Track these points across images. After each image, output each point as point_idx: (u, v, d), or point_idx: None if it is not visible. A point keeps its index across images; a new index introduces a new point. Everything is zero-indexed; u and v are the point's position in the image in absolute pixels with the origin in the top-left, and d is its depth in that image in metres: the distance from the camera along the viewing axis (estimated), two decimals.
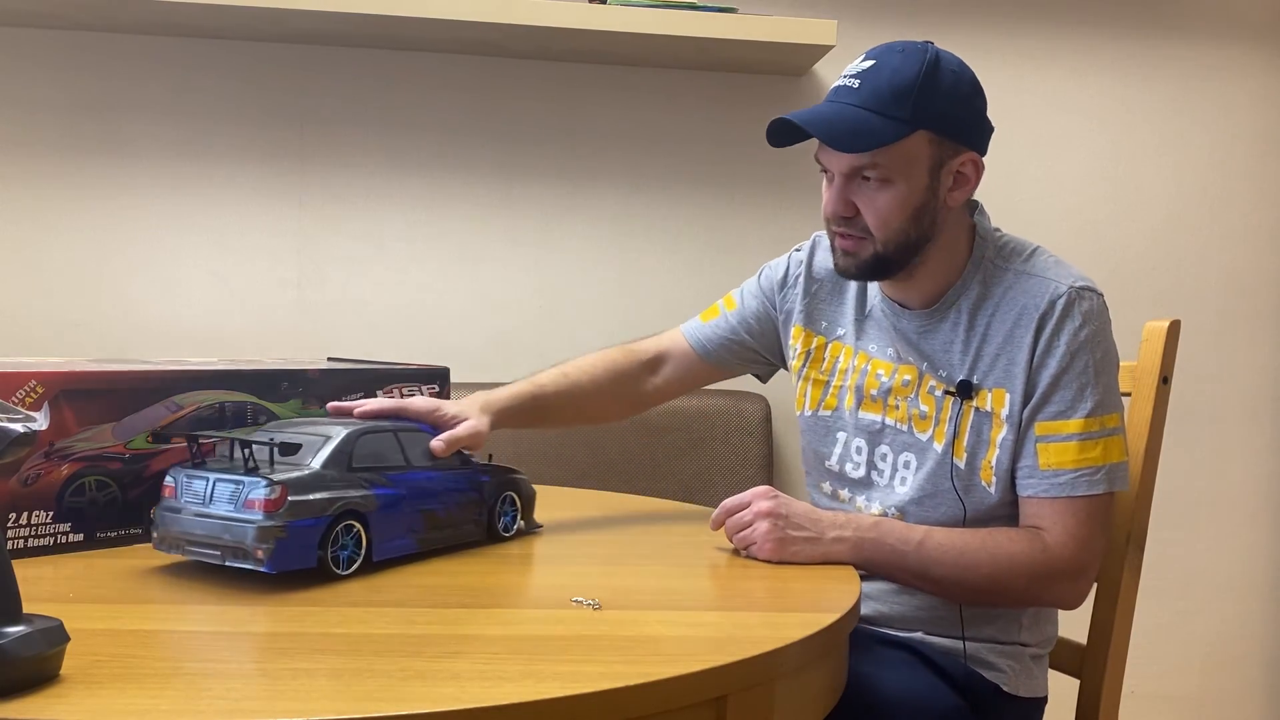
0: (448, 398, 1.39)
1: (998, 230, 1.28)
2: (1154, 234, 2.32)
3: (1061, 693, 1.42)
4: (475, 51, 2.12)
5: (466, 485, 1.12)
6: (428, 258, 2.13)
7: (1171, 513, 2.31)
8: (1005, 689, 1.23)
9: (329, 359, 1.50)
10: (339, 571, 0.97)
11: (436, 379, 1.38)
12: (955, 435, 1.21)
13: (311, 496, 0.94)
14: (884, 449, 1.27)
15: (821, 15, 2.14)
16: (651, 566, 1.09)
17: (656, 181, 2.20)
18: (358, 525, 0.98)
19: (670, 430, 2.06)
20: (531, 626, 0.84)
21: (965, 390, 1.20)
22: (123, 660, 0.73)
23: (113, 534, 1.10)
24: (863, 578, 1.10)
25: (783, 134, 1.20)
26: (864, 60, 1.19)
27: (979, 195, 1.31)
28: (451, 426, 1.18)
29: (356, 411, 1.15)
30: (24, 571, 0.87)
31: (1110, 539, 1.31)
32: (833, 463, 1.32)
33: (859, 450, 1.29)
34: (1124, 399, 1.33)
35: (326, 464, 0.98)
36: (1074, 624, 1.39)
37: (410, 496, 1.04)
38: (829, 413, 1.32)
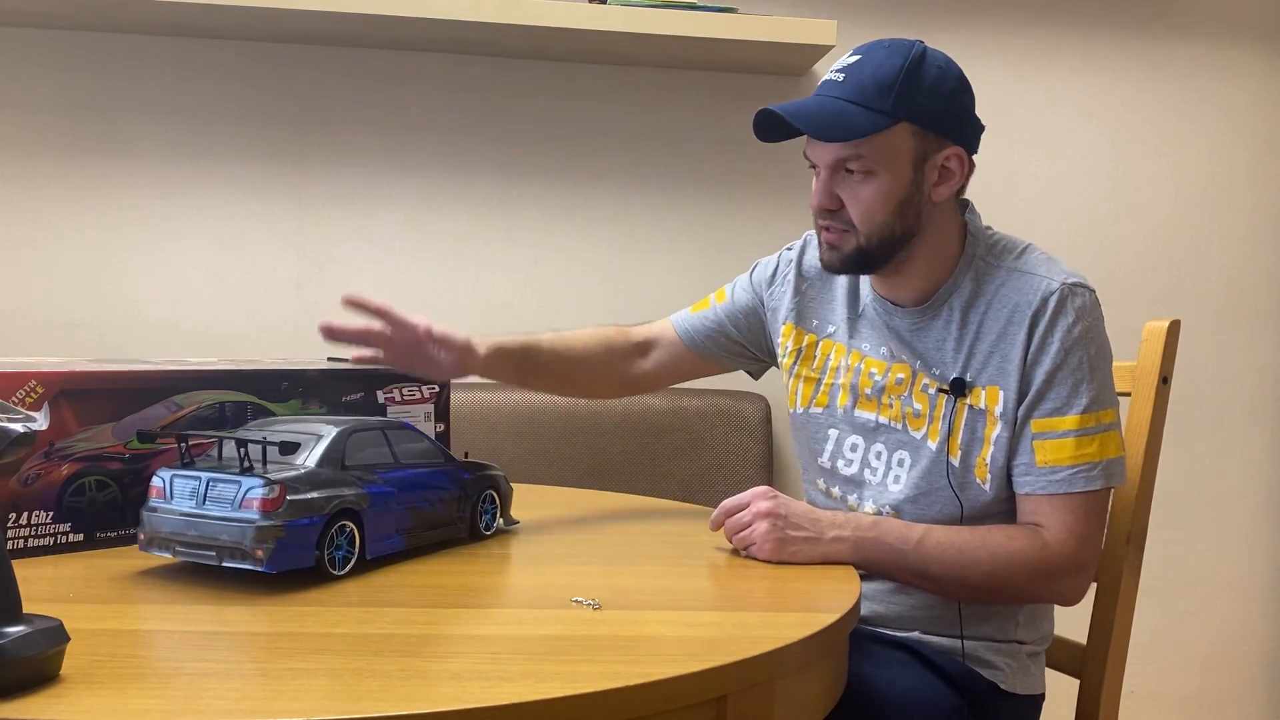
0: (448, 398, 1.40)
1: (989, 228, 1.28)
2: (1154, 234, 2.32)
3: (1061, 692, 1.42)
4: (475, 51, 2.12)
5: (450, 483, 1.12)
6: (428, 258, 2.13)
7: (1171, 513, 2.31)
8: (1003, 687, 1.24)
9: (329, 359, 1.50)
10: (335, 572, 0.97)
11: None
12: (949, 433, 1.21)
13: (309, 495, 0.94)
14: (879, 447, 1.27)
15: (821, 15, 2.14)
16: (651, 566, 1.09)
17: (656, 181, 2.20)
18: (351, 525, 0.98)
19: (670, 430, 2.06)
20: (531, 626, 0.84)
21: (958, 388, 1.21)
22: (123, 660, 0.73)
23: (113, 534, 1.10)
24: (861, 577, 1.10)
25: (770, 129, 1.21)
26: (851, 55, 1.20)
27: (978, 194, 1.31)
28: (446, 340, 1.25)
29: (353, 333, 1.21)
30: (24, 571, 0.87)
31: (1109, 536, 1.31)
32: (825, 460, 1.32)
33: (853, 448, 1.29)
34: (1124, 399, 1.33)
35: (320, 462, 0.98)
36: (1074, 624, 1.39)
37: (399, 494, 1.04)
38: (820, 410, 1.33)
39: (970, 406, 1.21)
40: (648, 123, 2.19)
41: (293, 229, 2.12)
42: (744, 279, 1.45)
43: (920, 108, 1.16)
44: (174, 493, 0.95)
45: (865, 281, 1.31)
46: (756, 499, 1.14)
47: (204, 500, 0.94)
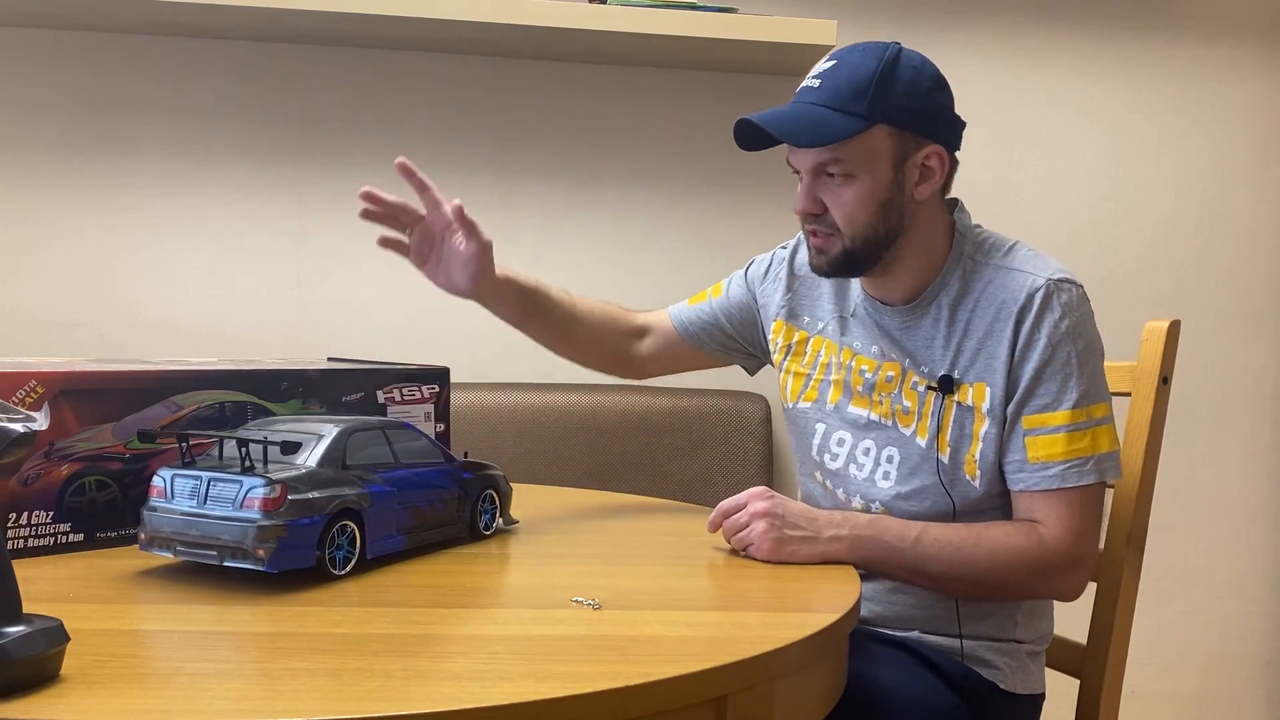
0: (448, 398, 1.40)
1: (979, 227, 1.28)
2: (1154, 234, 2.32)
3: (1061, 693, 1.42)
4: (475, 51, 2.12)
5: (450, 482, 1.13)
6: None
7: (1171, 513, 2.31)
8: (1002, 686, 1.24)
9: (329, 359, 1.50)
10: (335, 572, 0.97)
11: (436, 379, 1.38)
12: (938, 430, 1.22)
13: (310, 495, 0.94)
14: (868, 443, 1.28)
15: (821, 15, 2.14)
16: (651, 566, 1.09)
17: (656, 181, 2.20)
18: (352, 525, 0.98)
19: (670, 430, 2.06)
20: (531, 626, 0.84)
21: (946, 385, 1.22)
22: (123, 660, 0.73)
23: (113, 534, 1.10)
24: (860, 577, 1.10)
25: (750, 138, 1.23)
26: (827, 61, 1.21)
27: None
28: (473, 228, 1.27)
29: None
30: (24, 571, 0.87)
31: (1109, 536, 1.31)
32: (815, 454, 1.34)
33: (840, 442, 1.30)
34: (1124, 399, 1.33)
35: (321, 462, 0.98)
36: (1074, 624, 1.39)
37: (400, 493, 1.04)
38: (809, 405, 1.34)
39: (958, 403, 1.21)
40: (648, 123, 2.19)
41: (293, 229, 2.12)
42: (739, 275, 1.47)
43: (896, 108, 1.17)
44: (175, 492, 0.95)
45: (855, 281, 1.32)
46: (753, 499, 1.14)
47: (205, 500, 0.94)
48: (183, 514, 0.94)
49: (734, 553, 1.15)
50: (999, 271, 1.22)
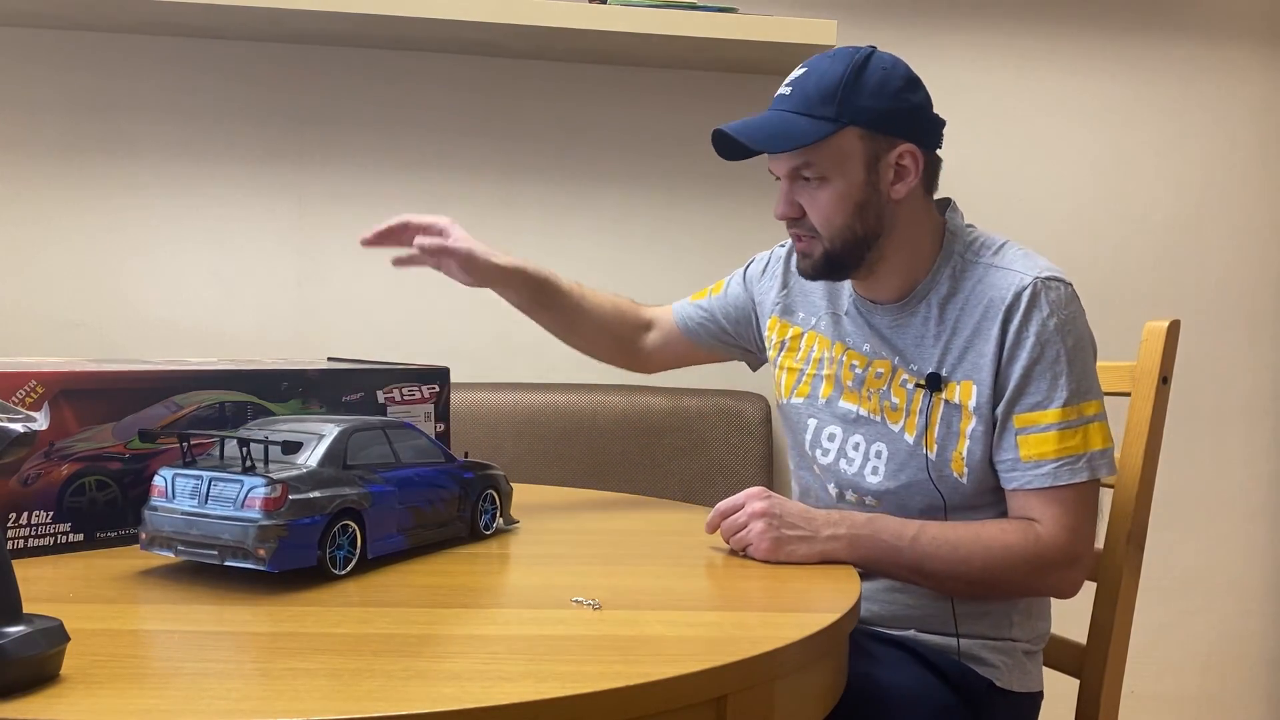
0: (448, 398, 1.40)
1: (970, 226, 1.29)
2: (1154, 234, 2.32)
3: (1061, 693, 1.42)
4: (475, 51, 2.12)
5: (451, 482, 1.13)
6: None
7: (1171, 513, 2.31)
8: (999, 684, 1.24)
9: (329, 359, 1.50)
10: (336, 571, 0.97)
11: (436, 379, 1.38)
12: (926, 427, 1.22)
13: (311, 495, 0.94)
14: (857, 438, 1.29)
15: (821, 15, 2.14)
16: (651, 566, 1.09)
17: (656, 181, 2.20)
18: (353, 525, 0.98)
19: (670, 430, 2.06)
20: (531, 626, 0.84)
21: (934, 383, 1.22)
22: (123, 660, 0.73)
23: (113, 534, 1.10)
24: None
25: (732, 149, 1.25)
26: (799, 69, 1.24)
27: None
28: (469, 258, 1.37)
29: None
30: (24, 571, 0.87)
31: (1109, 536, 1.31)
32: (807, 449, 1.35)
33: (830, 437, 1.31)
34: (1124, 399, 1.33)
35: (322, 462, 0.98)
36: (1074, 624, 1.39)
37: (400, 493, 1.05)
38: (801, 400, 1.35)
39: (946, 401, 1.22)
40: (648, 123, 2.19)
41: (292, 229, 2.12)
42: (739, 273, 1.50)
43: (865, 109, 1.18)
44: (175, 492, 0.95)
45: (847, 281, 1.33)
46: (751, 499, 1.14)
47: (206, 499, 0.94)
48: (184, 513, 0.94)
49: (733, 553, 1.15)
50: (988, 270, 1.23)
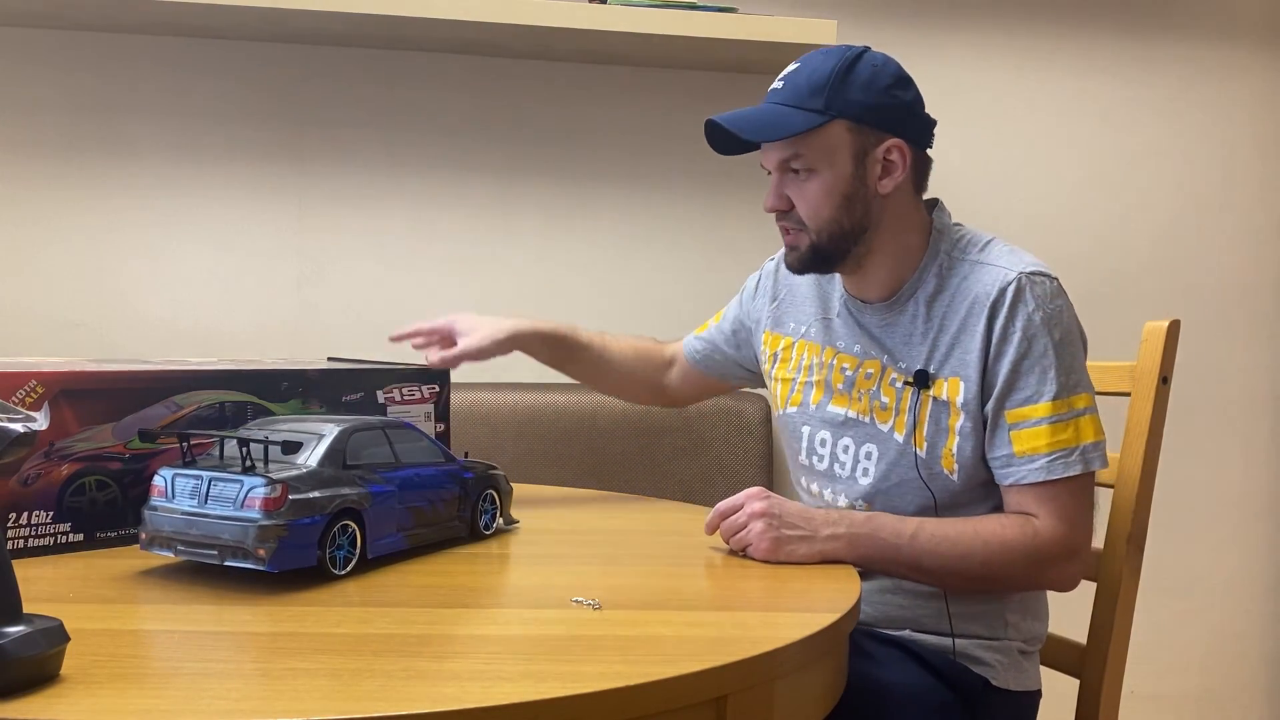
0: (448, 398, 1.40)
1: (958, 225, 1.29)
2: (1154, 234, 2.32)
3: (1061, 692, 1.42)
4: (475, 51, 2.12)
5: (451, 482, 1.13)
6: (428, 258, 2.13)
7: (1171, 513, 2.31)
8: (995, 683, 1.24)
9: (329, 359, 1.50)
10: (336, 571, 0.97)
11: (436, 379, 1.38)
12: (915, 425, 1.23)
13: (311, 495, 0.94)
14: (846, 441, 1.29)
15: (821, 15, 2.14)
16: (651, 566, 1.09)
17: (656, 181, 2.20)
18: (353, 525, 0.98)
19: (670, 431, 2.06)
20: (531, 626, 0.85)
21: (922, 380, 1.23)
22: (122, 660, 0.73)
23: (113, 534, 1.10)
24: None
25: (725, 142, 1.26)
26: (794, 64, 1.25)
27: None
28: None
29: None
30: (24, 571, 0.87)
31: (1109, 536, 1.31)
32: (803, 457, 1.35)
33: (822, 443, 1.31)
34: (1124, 399, 1.33)
35: (322, 462, 0.98)
36: (1074, 624, 1.39)
37: (400, 493, 1.04)
38: (794, 409, 1.36)
39: (934, 398, 1.22)
40: (648, 123, 2.19)
41: (292, 229, 2.12)
42: (736, 298, 1.52)
43: (854, 103, 1.20)
44: (175, 491, 0.95)
45: (837, 282, 1.34)
46: (750, 500, 1.15)
47: (206, 499, 0.94)
48: (184, 513, 0.94)
49: (733, 553, 1.15)
50: (974, 267, 1.23)
